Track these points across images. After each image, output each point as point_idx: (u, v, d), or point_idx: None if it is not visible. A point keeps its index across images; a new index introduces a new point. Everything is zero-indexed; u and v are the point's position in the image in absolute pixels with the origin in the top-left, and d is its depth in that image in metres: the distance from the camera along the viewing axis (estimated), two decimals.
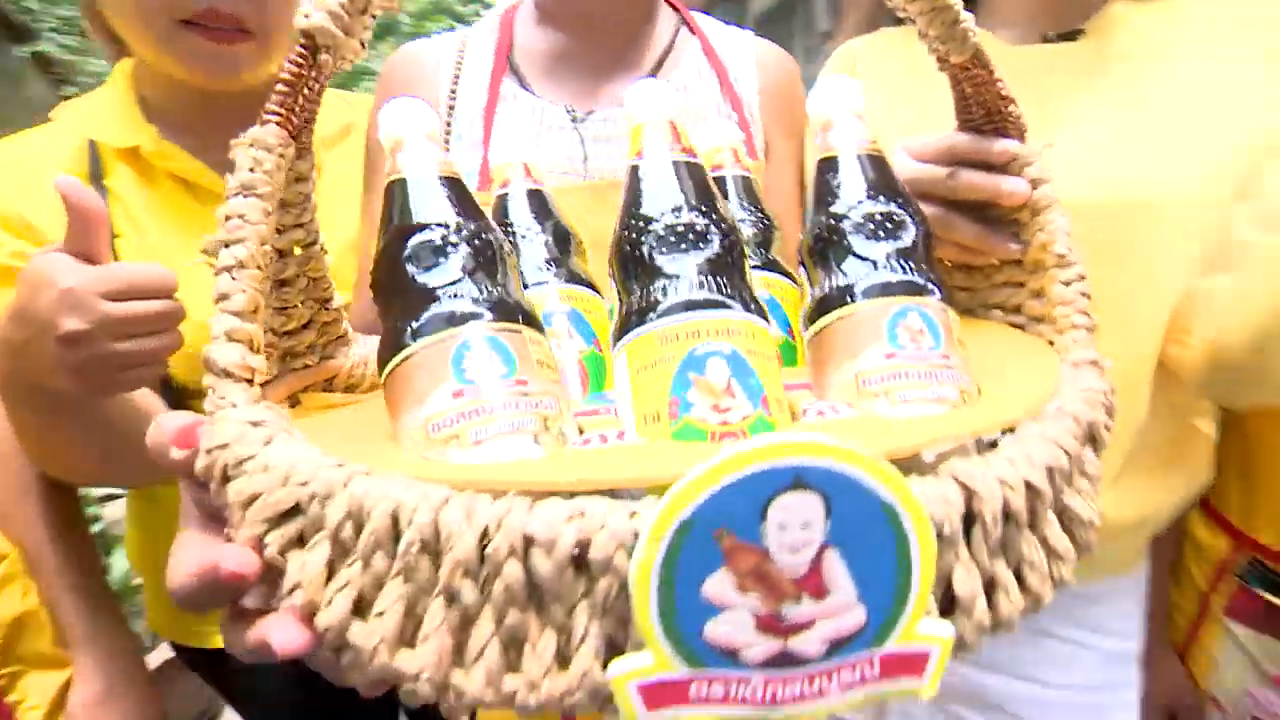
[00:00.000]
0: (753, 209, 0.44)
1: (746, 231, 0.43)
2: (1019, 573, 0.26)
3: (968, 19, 0.34)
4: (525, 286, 0.39)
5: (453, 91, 0.61)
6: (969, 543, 0.24)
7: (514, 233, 0.42)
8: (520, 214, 0.43)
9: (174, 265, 0.60)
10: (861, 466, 0.20)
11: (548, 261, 0.41)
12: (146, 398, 0.58)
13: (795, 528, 0.20)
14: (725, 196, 0.44)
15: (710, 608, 0.20)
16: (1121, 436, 0.57)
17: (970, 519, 0.24)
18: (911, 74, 0.60)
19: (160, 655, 1.22)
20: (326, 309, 0.38)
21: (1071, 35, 0.58)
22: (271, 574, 0.23)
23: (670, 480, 0.19)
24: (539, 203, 0.44)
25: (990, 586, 0.25)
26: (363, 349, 0.41)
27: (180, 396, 0.63)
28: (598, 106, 0.61)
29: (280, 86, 0.30)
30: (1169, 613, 0.74)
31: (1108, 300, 0.54)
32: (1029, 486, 0.25)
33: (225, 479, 0.23)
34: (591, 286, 0.41)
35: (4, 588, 0.59)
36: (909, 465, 0.25)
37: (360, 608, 0.22)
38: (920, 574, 0.21)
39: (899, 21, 0.66)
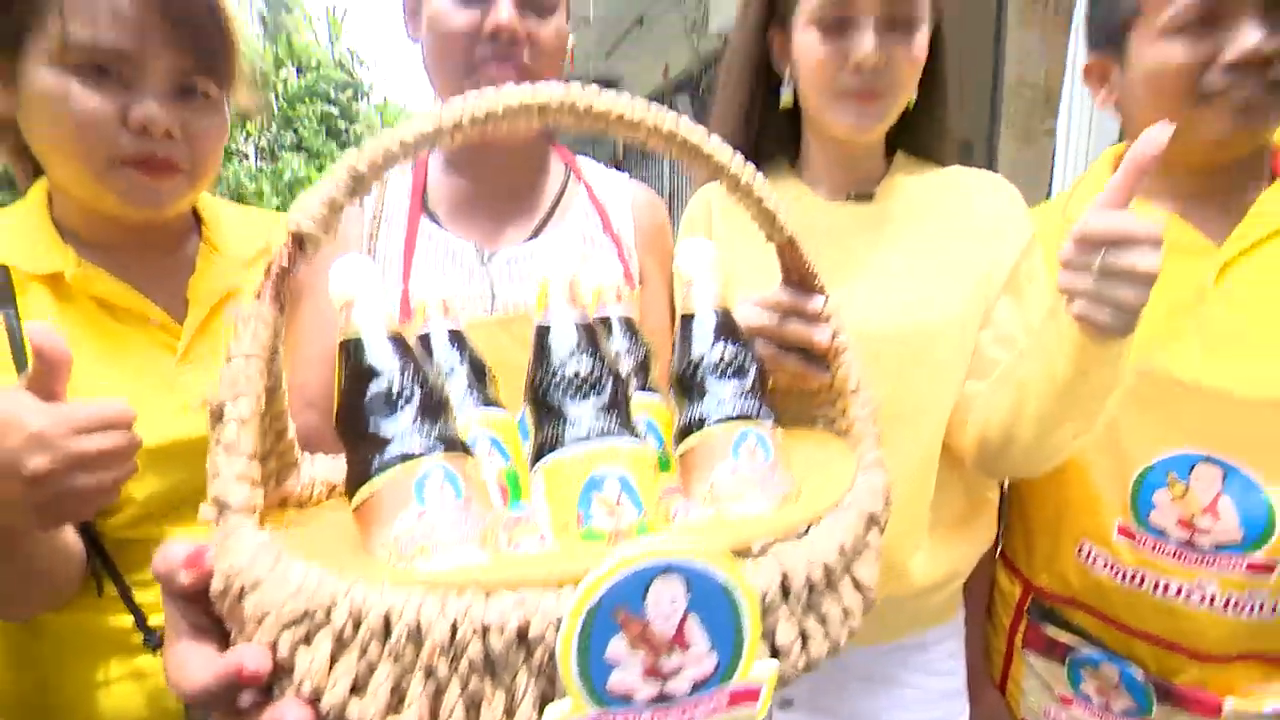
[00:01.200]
0: (633, 342, 0.56)
1: (629, 363, 0.54)
2: (824, 624, 0.38)
3: (783, 213, 0.49)
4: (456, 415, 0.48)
5: (374, 224, 0.70)
6: (786, 605, 0.35)
7: (438, 367, 0.51)
8: (442, 350, 0.52)
9: (99, 388, 0.64)
10: (708, 559, 0.31)
11: (468, 389, 0.51)
12: (64, 530, 0.59)
13: (666, 603, 0.30)
14: (611, 333, 0.56)
15: (611, 665, 0.30)
16: (922, 509, 0.73)
17: (786, 589, 0.35)
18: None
19: None
20: (282, 439, 0.45)
21: (867, 196, 0.78)
22: (277, 671, 0.30)
23: (581, 575, 0.29)
24: (457, 340, 0.53)
25: (804, 636, 0.36)
26: (311, 469, 0.48)
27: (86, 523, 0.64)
28: (502, 245, 0.72)
29: (274, 272, 0.38)
30: (988, 652, 0.90)
31: (906, 401, 0.71)
32: (826, 564, 0.37)
33: (241, 595, 0.30)
34: (503, 408, 0.51)
35: None
36: (743, 552, 0.36)
37: (355, 688, 0.29)
38: (750, 631, 0.32)
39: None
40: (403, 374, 0.40)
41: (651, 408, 0.52)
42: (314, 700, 0.29)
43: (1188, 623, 0.71)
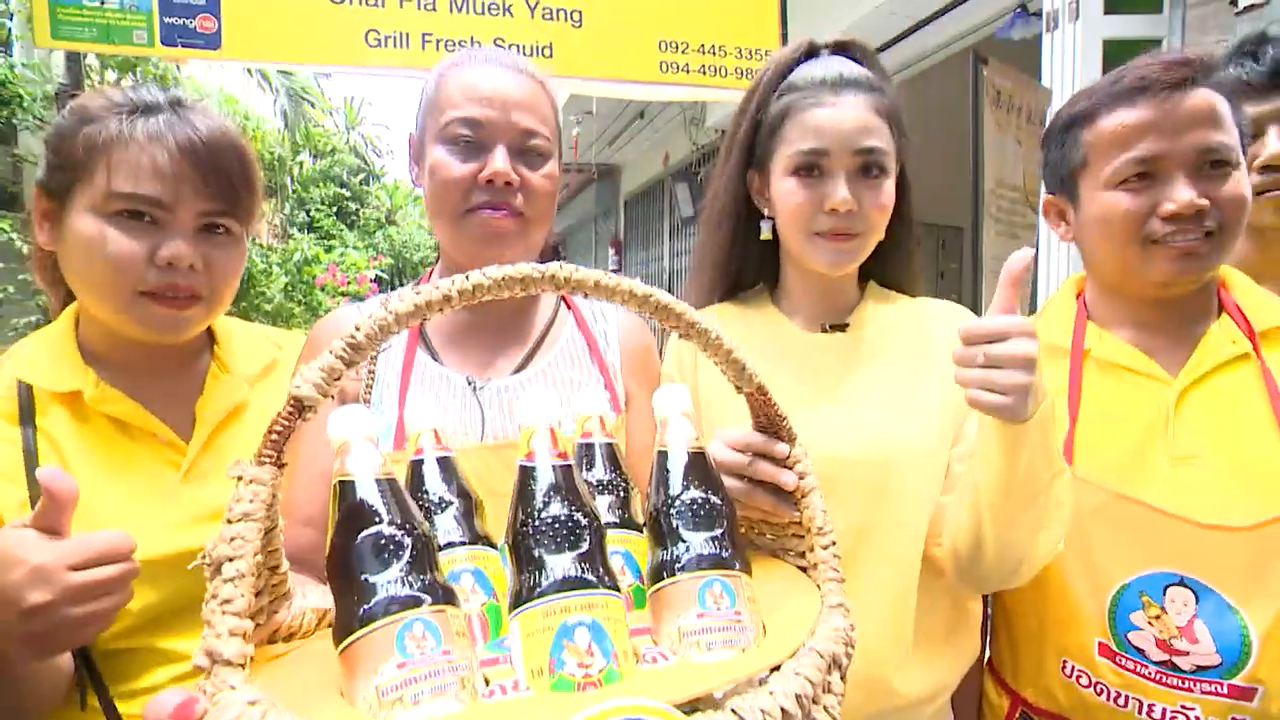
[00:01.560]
0: (615, 473, 0.59)
1: (609, 496, 0.57)
2: None
3: (750, 365, 0.53)
4: (440, 548, 0.51)
5: (373, 357, 0.75)
6: None
7: (428, 497, 0.54)
8: (433, 480, 0.55)
9: (105, 501, 0.67)
10: (662, 716, 0.33)
11: (456, 521, 0.53)
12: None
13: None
14: (593, 463, 0.59)
15: None
16: (904, 625, 0.74)
17: None
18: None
19: None
20: (276, 574, 0.48)
21: (841, 327, 0.83)
22: None
23: None
24: (448, 469, 0.56)
25: None
26: (302, 601, 0.50)
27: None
28: (494, 376, 0.76)
29: (272, 437, 0.42)
30: None
31: (879, 521, 0.74)
32: (784, 710, 0.39)
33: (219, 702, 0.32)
34: (490, 542, 0.53)
35: None
36: (705, 701, 0.38)
37: None
38: None
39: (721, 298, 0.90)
40: (391, 524, 0.43)
41: (630, 542, 0.55)
42: None
43: None
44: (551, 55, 1.57)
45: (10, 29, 3.80)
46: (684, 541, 0.48)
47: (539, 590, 0.43)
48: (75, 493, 0.51)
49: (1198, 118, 0.72)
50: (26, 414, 0.70)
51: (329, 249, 6.30)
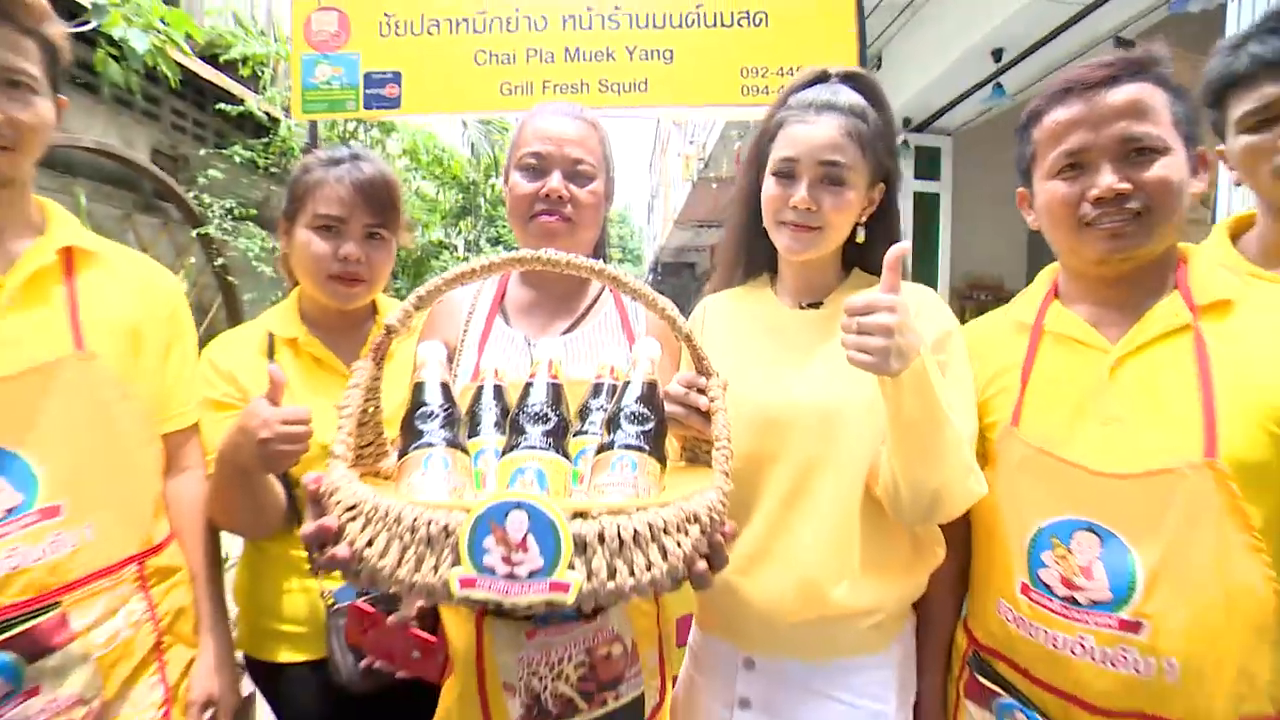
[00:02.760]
0: (611, 401, 0.83)
1: (599, 415, 0.81)
2: (630, 567, 0.63)
3: (680, 320, 0.76)
4: (477, 433, 0.81)
5: (467, 321, 1.08)
6: (603, 547, 0.61)
7: (481, 405, 0.84)
8: (488, 397, 0.85)
9: (304, 401, 1.07)
10: (539, 503, 0.59)
11: (496, 423, 0.83)
12: (273, 480, 1.01)
13: (516, 524, 0.59)
14: (599, 394, 0.83)
15: (485, 550, 0.59)
16: (845, 547, 0.90)
17: (602, 537, 0.62)
18: (733, 316, 1.04)
19: None
20: (379, 437, 0.81)
21: (816, 305, 1.00)
22: (338, 532, 0.62)
23: (481, 506, 0.59)
24: (499, 392, 0.86)
25: (612, 570, 0.62)
26: (391, 461, 0.83)
27: (287, 481, 1.06)
28: (544, 336, 1.05)
29: (375, 346, 0.74)
30: (944, 700, 1.00)
31: (827, 457, 0.92)
32: (635, 530, 0.63)
33: (329, 495, 0.64)
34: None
35: (177, 588, 1.00)
36: (584, 514, 0.63)
37: (370, 543, 0.61)
38: (564, 549, 0.59)
39: (738, 281, 1.11)
40: (436, 403, 0.74)
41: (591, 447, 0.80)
42: (350, 546, 0.61)
43: (1076, 674, 0.79)
44: (646, 89, 1.86)
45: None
46: (621, 432, 0.73)
47: (514, 446, 0.71)
48: (285, 381, 0.89)
49: (1121, 111, 0.81)
50: (269, 350, 1.13)
51: None
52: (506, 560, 0.59)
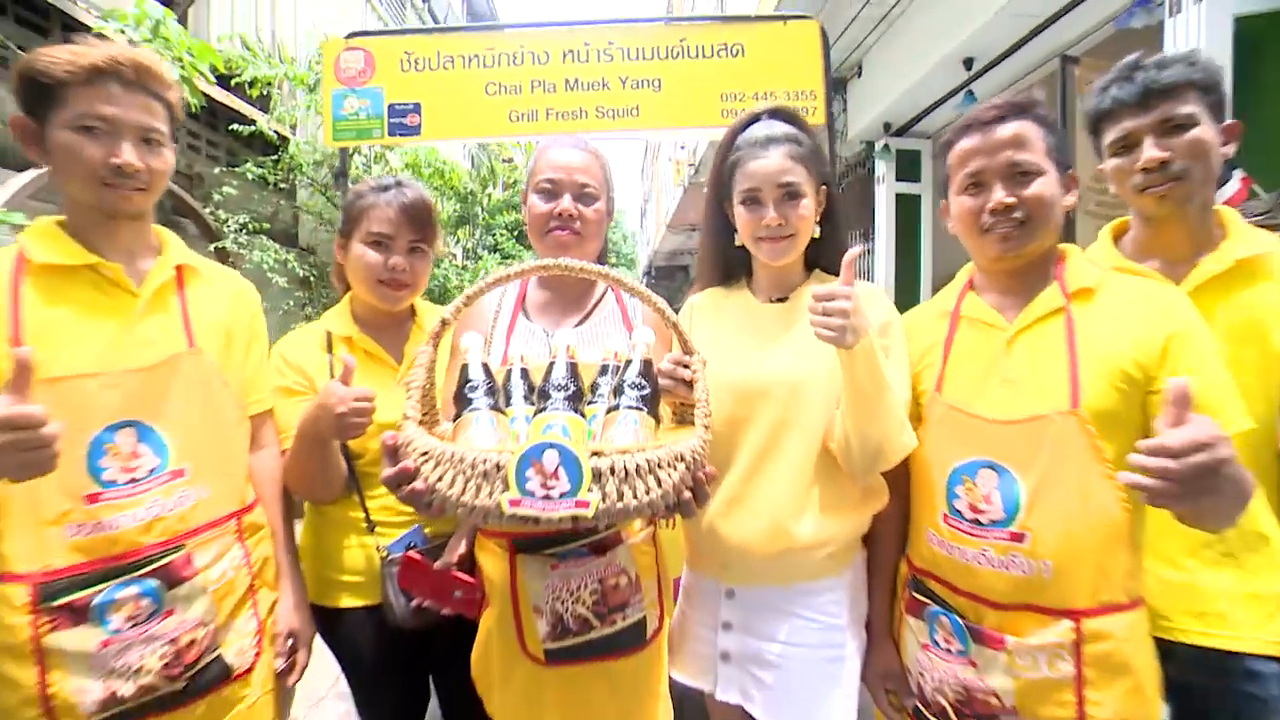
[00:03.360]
0: (613, 377, 1.07)
1: (607, 388, 1.05)
2: (633, 491, 0.86)
3: (669, 312, 0.99)
4: (509, 405, 1.03)
5: (494, 318, 1.30)
6: (613, 478, 0.84)
7: (512, 384, 1.07)
8: (517, 378, 1.07)
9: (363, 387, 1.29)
10: (567, 444, 0.82)
11: (524, 396, 1.05)
12: (338, 453, 1.24)
13: (550, 460, 0.82)
14: (605, 371, 1.07)
15: (528, 479, 0.82)
16: (806, 492, 1.13)
17: (613, 470, 0.84)
18: (716, 312, 1.27)
19: None
20: (433, 408, 1.03)
21: (783, 299, 1.23)
22: (414, 473, 0.85)
23: (524, 447, 0.82)
24: (525, 374, 1.09)
25: (620, 494, 0.85)
26: (443, 427, 1.05)
27: (347, 454, 1.29)
28: (559, 329, 1.28)
29: (433, 334, 0.96)
30: (890, 619, 1.23)
31: (790, 419, 1.15)
32: (638, 464, 0.86)
33: (405, 445, 0.87)
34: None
35: (263, 541, 1.22)
36: (599, 454, 0.86)
37: (440, 479, 0.84)
38: (586, 477, 0.82)
39: (717, 284, 1.34)
40: (480, 378, 0.96)
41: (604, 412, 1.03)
42: (425, 480, 0.84)
43: (981, 580, 1.02)
44: (638, 115, 2.10)
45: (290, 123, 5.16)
46: (624, 397, 0.96)
47: (543, 409, 0.93)
48: (354, 370, 1.11)
49: (1007, 143, 1.04)
50: (328, 346, 1.36)
51: None
52: (544, 486, 0.82)
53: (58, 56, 0.97)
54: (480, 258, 7.48)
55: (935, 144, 5.73)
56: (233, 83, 4.52)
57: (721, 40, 2.13)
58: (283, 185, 5.14)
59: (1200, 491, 0.75)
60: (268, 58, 5.07)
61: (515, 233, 7.91)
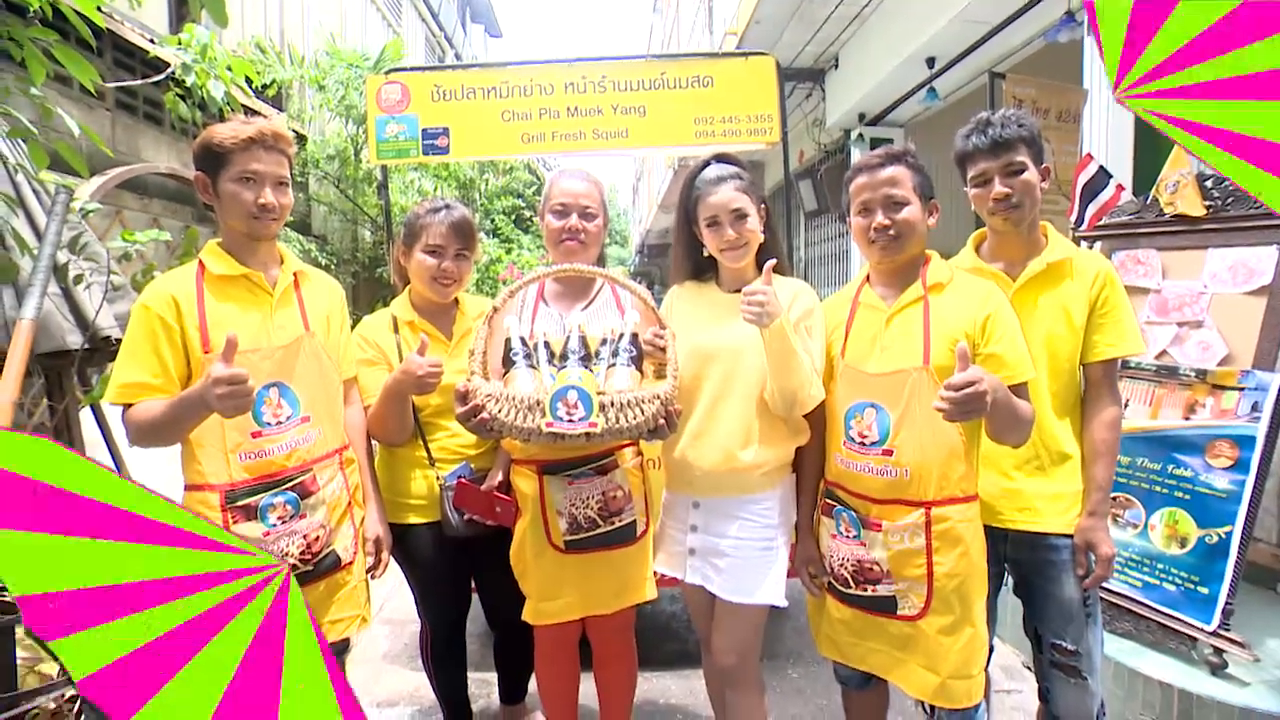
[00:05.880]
0: (611, 346, 1.52)
1: (609, 353, 1.50)
2: (624, 414, 1.31)
3: (650, 300, 1.44)
4: (539, 364, 1.48)
5: (521, 305, 1.75)
6: (612, 408, 1.30)
7: (538, 354, 1.51)
8: (543, 349, 1.52)
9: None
10: (582, 384, 1.28)
11: (548, 360, 1.50)
12: (410, 406, 1.70)
13: (571, 397, 1.27)
14: (605, 342, 1.52)
15: (558, 408, 1.27)
16: (748, 427, 1.58)
17: (614, 402, 1.30)
18: (690, 300, 1.72)
19: None
20: (485, 369, 1.48)
21: (739, 291, 1.68)
22: (480, 408, 1.30)
23: (554, 388, 1.27)
24: (549, 346, 1.53)
25: (618, 418, 1.30)
26: (492, 382, 1.50)
27: (414, 407, 1.74)
28: (570, 313, 1.72)
29: (487, 317, 1.41)
30: (813, 522, 1.69)
31: (735, 373, 1.61)
32: (629, 400, 1.31)
33: (475, 392, 1.32)
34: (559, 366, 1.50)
35: (355, 473, 1.67)
36: (604, 394, 1.31)
37: (500, 411, 1.29)
38: (595, 408, 1.28)
39: (690, 278, 1.78)
40: (519, 347, 1.42)
41: (605, 369, 1.48)
42: (490, 414, 1.30)
43: (865, 484, 1.48)
44: (627, 136, 2.52)
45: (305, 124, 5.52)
46: (619, 357, 1.41)
47: (563, 367, 1.39)
48: (427, 346, 1.56)
49: (885, 182, 1.48)
50: (394, 328, 1.80)
51: (508, 250, 7.86)
52: (567, 414, 1.28)
53: (225, 133, 1.40)
54: (480, 242, 7.88)
55: (907, 134, 6.14)
56: (255, 85, 4.89)
57: (694, 73, 2.56)
58: (299, 179, 5.53)
59: (971, 412, 1.21)
60: (280, 58, 5.42)
61: (513, 216, 8.31)
